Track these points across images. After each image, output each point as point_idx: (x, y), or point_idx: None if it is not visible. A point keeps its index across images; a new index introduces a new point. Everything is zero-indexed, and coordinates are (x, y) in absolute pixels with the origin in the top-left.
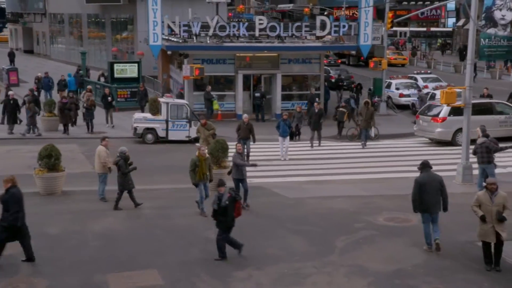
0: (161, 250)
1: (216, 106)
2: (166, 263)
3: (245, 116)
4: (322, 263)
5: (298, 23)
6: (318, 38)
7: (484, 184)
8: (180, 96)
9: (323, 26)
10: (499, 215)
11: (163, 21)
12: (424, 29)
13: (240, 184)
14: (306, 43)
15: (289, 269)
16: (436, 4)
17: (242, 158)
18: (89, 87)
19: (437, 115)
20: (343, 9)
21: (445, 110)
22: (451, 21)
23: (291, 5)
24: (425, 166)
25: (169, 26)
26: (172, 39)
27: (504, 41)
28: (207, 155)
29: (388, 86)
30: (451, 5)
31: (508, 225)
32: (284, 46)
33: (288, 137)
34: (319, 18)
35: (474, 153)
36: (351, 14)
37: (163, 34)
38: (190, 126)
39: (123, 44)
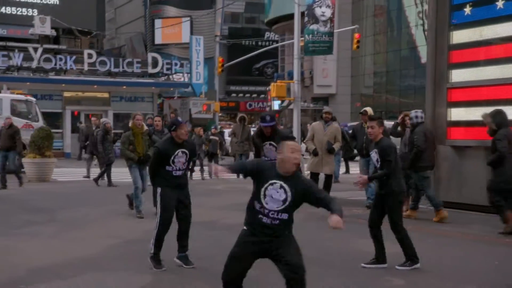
0: None
1: None
2: None
3: None
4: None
5: (129, 59)
6: (150, 75)
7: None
8: None
9: (155, 63)
10: (328, 145)
11: None
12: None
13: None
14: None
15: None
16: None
17: None
18: None
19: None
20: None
21: None
22: (277, 103)
23: None
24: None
25: None
26: None
27: (326, 36)
28: (146, 128)
29: None
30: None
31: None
32: (115, 81)
33: None
34: (150, 55)
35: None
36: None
37: None
38: None
39: None
